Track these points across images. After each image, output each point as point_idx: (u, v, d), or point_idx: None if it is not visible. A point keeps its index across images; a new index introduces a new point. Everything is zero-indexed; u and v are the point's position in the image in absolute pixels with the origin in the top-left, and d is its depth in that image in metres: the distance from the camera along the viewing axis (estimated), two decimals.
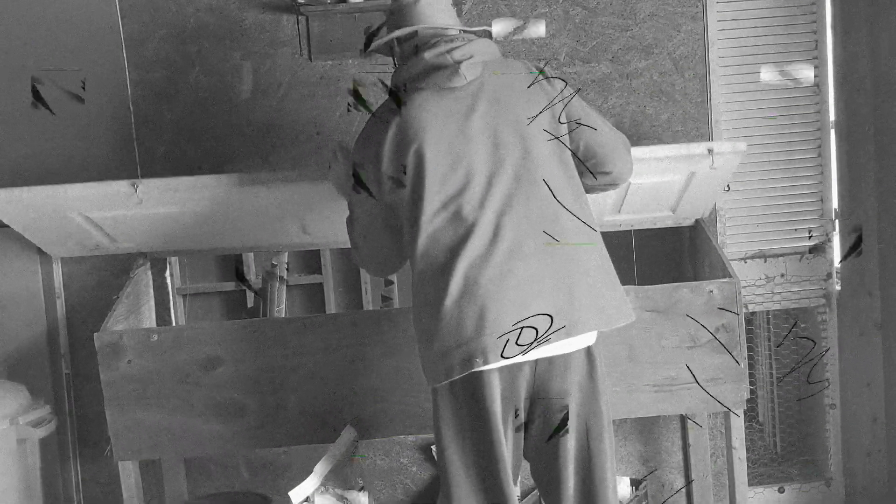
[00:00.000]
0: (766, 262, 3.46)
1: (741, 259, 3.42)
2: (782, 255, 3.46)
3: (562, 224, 2.26)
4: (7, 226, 3.01)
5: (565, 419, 2.26)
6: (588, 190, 2.43)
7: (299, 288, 3.62)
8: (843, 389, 3.54)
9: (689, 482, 3.30)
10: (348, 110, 3.18)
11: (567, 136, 2.37)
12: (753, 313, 3.57)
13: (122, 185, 2.79)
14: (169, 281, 3.34)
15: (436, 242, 2.24)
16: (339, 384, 2.72)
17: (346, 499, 3.24)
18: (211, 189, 2.80)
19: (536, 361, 2.24)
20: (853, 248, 3.23)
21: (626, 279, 2.81)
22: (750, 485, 3.35)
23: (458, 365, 2.17)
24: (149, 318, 3.17)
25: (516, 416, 2.28)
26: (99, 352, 2.69)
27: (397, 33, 2.43)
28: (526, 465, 2.43)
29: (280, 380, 2.71)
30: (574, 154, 2.37)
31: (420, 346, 2.28)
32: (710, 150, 2.80)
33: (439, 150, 2.27)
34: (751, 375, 3.19)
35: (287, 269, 3.53)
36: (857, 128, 3.39)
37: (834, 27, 3.38)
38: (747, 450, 3.25)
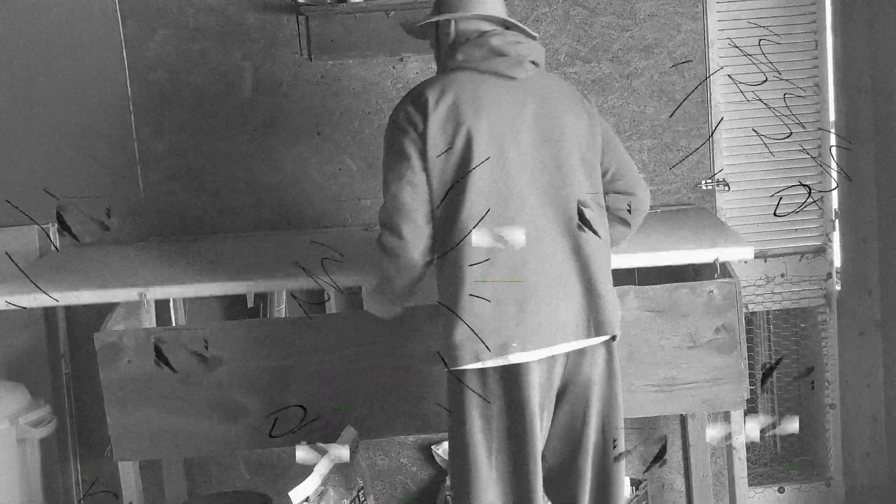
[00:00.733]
0: (766, 262, 3.46)
1: (741, 259, 3.41)
2: (782, 255, 3.47)
3: (586, 233, 2.37)
4: (7, 225, 3.00)
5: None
6: (611, 224, 2.47)
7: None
8: (843, 389, 3.54)
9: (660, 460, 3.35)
10: None
11: (600, 153, 2.44)
12: (753, 313, 3.56)
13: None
14: None
15: (475, 222, 2.27)
16: (339, 384, 2.72)
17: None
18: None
19: (568, 354, 2.35)
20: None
21: (626, 279, 2.82)
22: (750, 485, 3.36)
23: (492, 349, 2.24)
24: (149, 319, 3.16)
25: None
26: (99, 352, 2.68)
27: (476, 11, 2.40)
28: None
29: (280, 380, 2.71)
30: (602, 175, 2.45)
31: (444, 328, 2.30)
32: (716, 260, 2.80)
33: (491, 134, 2.30)
34: (751, 375, 3.18)
35: None
36: (857, 128, 3.39)
37: (834, 27, 3.38)
38: (747, 450, 3.24)
